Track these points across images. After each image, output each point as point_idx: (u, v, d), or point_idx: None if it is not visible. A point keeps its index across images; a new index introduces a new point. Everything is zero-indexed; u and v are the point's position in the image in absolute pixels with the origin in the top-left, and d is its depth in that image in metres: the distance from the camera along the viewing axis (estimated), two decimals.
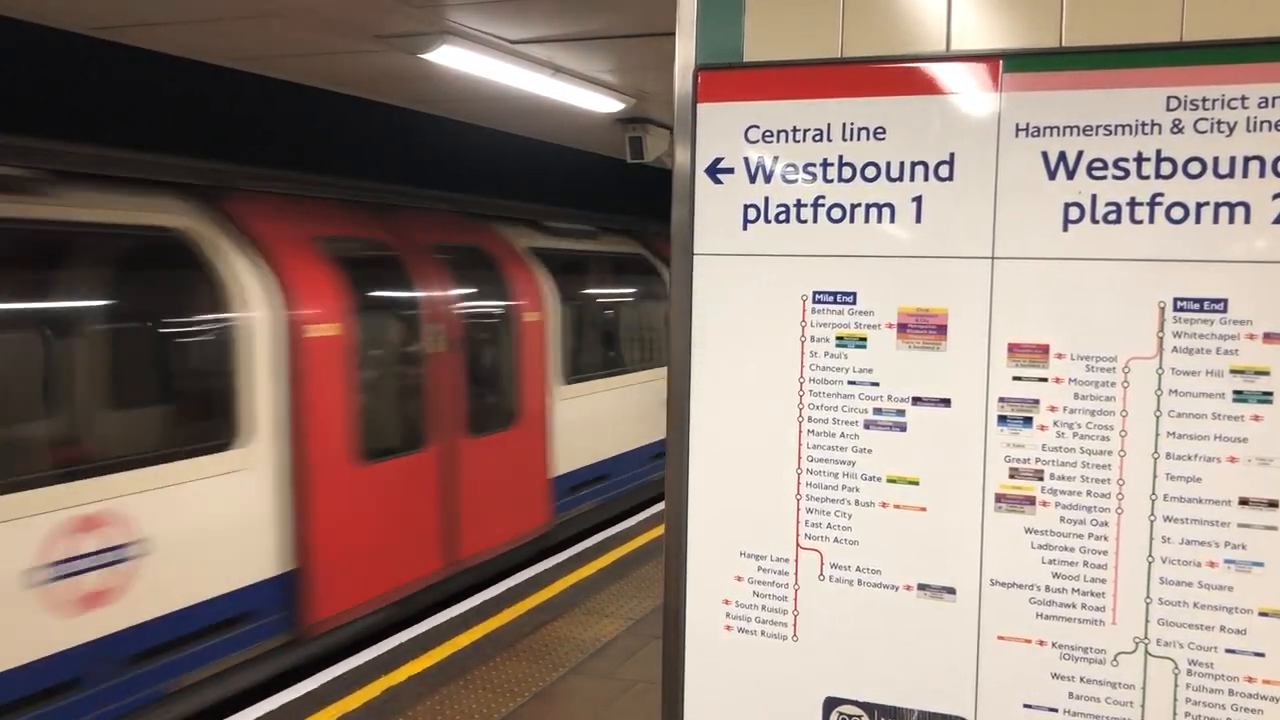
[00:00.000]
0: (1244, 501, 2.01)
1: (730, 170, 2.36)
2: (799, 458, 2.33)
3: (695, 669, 2.43)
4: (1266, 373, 1.99)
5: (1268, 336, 1.99)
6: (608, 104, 7.25)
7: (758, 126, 2.33)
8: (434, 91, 7.16)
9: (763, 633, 2.37)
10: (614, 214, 12.17)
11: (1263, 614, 2.02)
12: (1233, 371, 2.01)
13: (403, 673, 6.36)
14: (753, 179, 2.34)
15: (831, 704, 2.32)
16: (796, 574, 2.34)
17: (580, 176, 12.68)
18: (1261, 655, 2.02)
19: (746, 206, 2.35)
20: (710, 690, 2.42)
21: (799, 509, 2.33)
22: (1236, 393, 2.01)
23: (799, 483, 2.33)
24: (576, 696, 6.08)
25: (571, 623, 7.26)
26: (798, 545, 2.34)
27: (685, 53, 2.41)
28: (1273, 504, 2.00)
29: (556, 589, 7.99)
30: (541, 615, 7.39)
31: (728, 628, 2.40)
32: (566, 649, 6.75)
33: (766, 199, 2.33)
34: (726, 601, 2.40)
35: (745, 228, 2.35)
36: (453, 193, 9.41)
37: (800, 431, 2.33)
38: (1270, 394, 1.99)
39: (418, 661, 6.53)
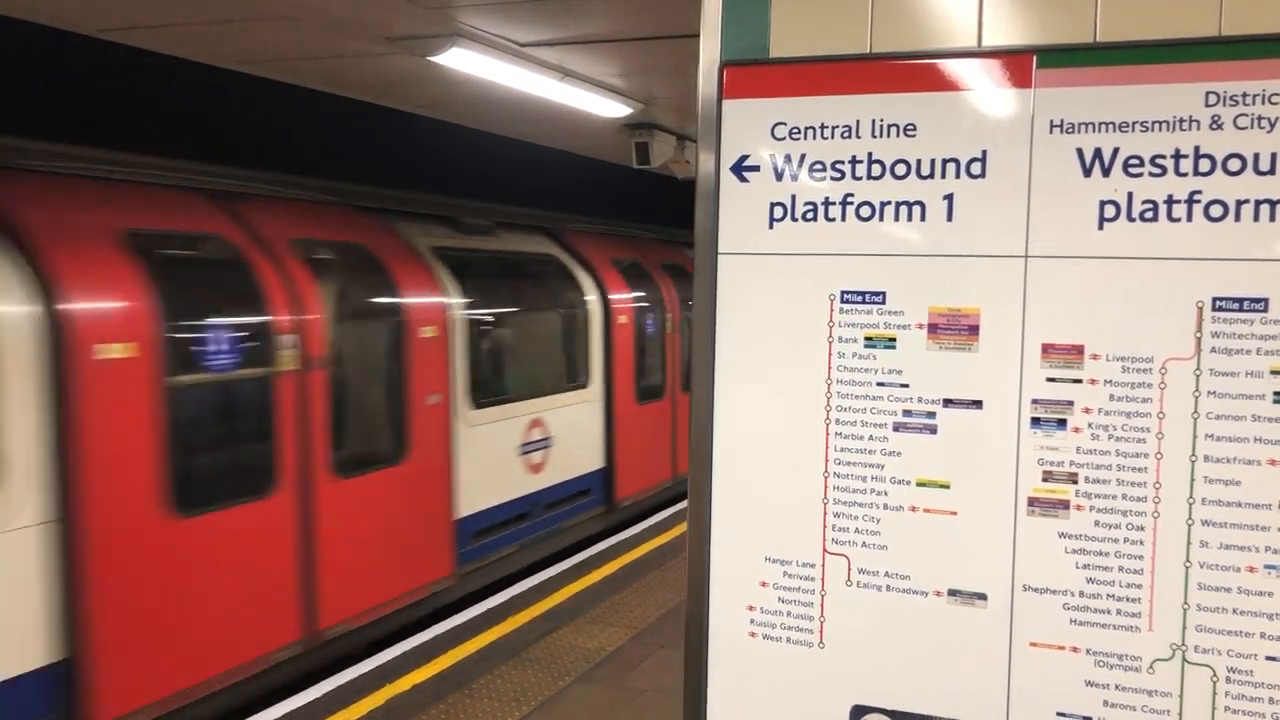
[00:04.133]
0: None
1: (756, 168, 2.32)
2: (826, 461, 2.28)
3: (718, 676, 2.39)
4: None
5: None
6: (615, 109, 7.21)
7: (784, 123, 2.29)
8: (443, 96, 7.13)
9: (788, 639, 2.32)
10: (619, 218, 12.11)
11: None
12: (1273, 372, 1.97)
13: (406, 682, 6.32)
14: (779, 177, 2.30)
15: (859, 712, 2.27)
16: (823, 579, 2.30)
17: (586, 183, 12.64)
18: None
19: (773, 205, 2.31)
20: (734, 698, 2.37)
21: (826, 513, 2.29)
22: (1276, 394, 1.97)
23: (826, 486, 2.28)
24: (582, 705, 6.03)
25: (576, 631, 7.21)
26: (824, 550, 2.29)
27: (710, 49, 2.37)
28: None
29: (560, 598, 7.94)
30: (546, 623, 7.34)
31: (752, 634, 2.36)
32: (572, 657, 6.70)
33: (793, 197, 2.29)
34: (751, 608, 2.35)
35: (771, 226, 2.31)
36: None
37: (827, 434, 2.28)
38: None
39: (421, 670, 6.49)
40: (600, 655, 6.76)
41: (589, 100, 6.97)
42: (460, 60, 5.60)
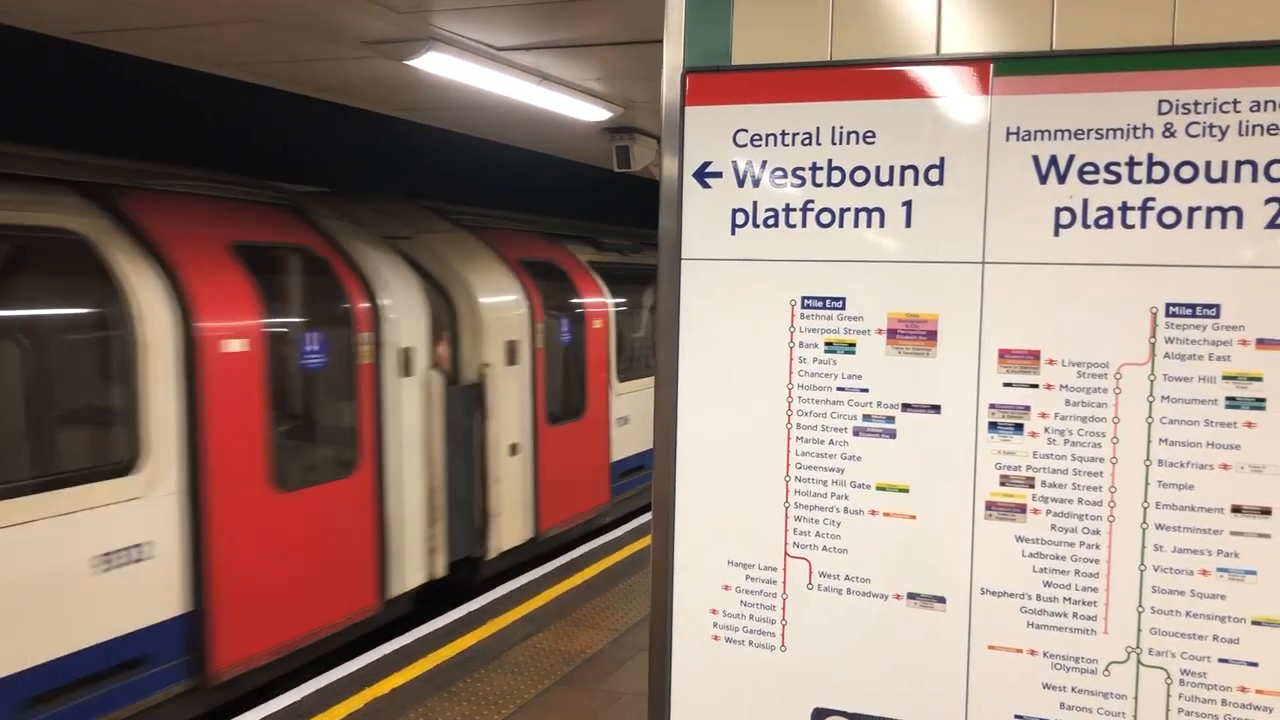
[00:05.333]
0: (1236, 509, 1.99)
1: (719, 174, 2.33)
2: (787, 465, 2.30)
3: (682, 679, 2.40)
4: (1259, 379, 1.97)
5: (1260, 342, 1.97)
6: (595, 113, 7.22)
7: (746, 130, 2.31)
8: (421, 99, 7.12)
9: (750, 642, 2.34)
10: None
11: (1256, 623, 1.99)
12: (1225, 378, 1.99)
13: (385, 685, 6.30)
14: (741, 183, 2.32)
15: (820, 714, 2.29)
16: (785, 583, 2.31)
17: (568, 186, 12.65)
18: (1255, 665, 1.99)
19: (735, 211, 2.32)
20: (697, 701, 2.39)
21: (787, 517, 2.30)
22: (1229, 399, 1.99)
23: (787, 490, 2.30)
24: (561, 709, 6.03)
25: (557, 634, 7.20)
26: (786, 554, 2.31)
27: (673, 56, 2.38)
28: (1265, 511, 1.97)
29: (541, 601, 7.93)
30: (527, 627, 7.33)
31: (715, 637, 2.37)
32: (552, 661, 6.70)
33: (755, 203, 2.31)
34: (714, 611, 2.37)
35: (734, 232, 2.33)
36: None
37: (788, 438, 2.30)
38: (1263, 400, 1.97)
39: (401, 674, 6.47)
40: (580, 658, 6.76)
41: (568, 104, 6.97)
42: (436, 64, 5.60)
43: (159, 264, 5.75)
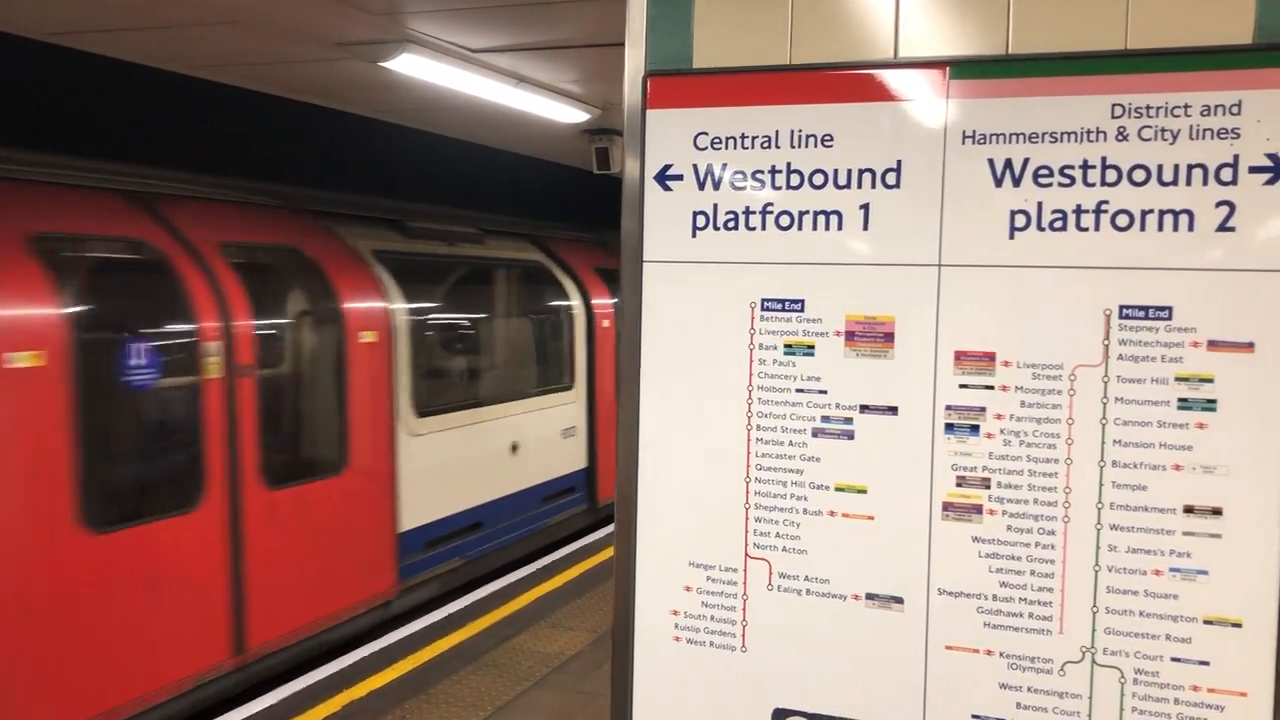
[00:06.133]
0: (1189, 509, 2.01)
1: (679, 177, 2.34)
2: (748, 466, 2.31)
3: (644, 680, 2.41)
4: (1210, 380, 1.99)
5: (1212, 344, 1.99)
6: (573, 114, 7.23)
7: (707, 133, 2.32)
8: (398, 101, 7.12)
9: (711, 643, 2.35)
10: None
11: (1207, 622, 2.01)
12: (1178, 379, 2.01)
13: (363, 688, 6.29)
14: (702, 186, 2.32)
15: (780, 715, 2.30)
16: (745, 584, 2.32)
17: (550, 187, 12.63)
18: (1206, 664, 2.01)
19: (696, 213, 2.33)
20: (659, 702, 2.39)
21: (748, 518, 2.31)
22: (1181, 400, 2.01)
23: (748, 491, 2.31)
24: (539, 710, 6.03)
25: (536, 636, 7.20)
26: (746, 555, 2.32)
27: (635, 59, 2.39)
28: (1217, 511, 1.99)
29: (521, 603, 7.93)
30: (506, 629, 7.33)
31: (677, 639, 2.38)
32: (530, 663, 6.69)
33: (715, 206, 2.32)
34: (675, 612, 2.38)
35: (694, 235, 2.33)
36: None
37: (749, 440, 2.31)
38: (1214, 401, 1.99)
39: (379, 676, 6.46)
40: (559, 660, 6.76)
41: (545, 106, 6.97)
42: (411, 66, 5.59)
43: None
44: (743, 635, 2.33)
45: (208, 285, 6.06)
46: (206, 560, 5.99)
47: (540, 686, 6.34)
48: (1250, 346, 1.97)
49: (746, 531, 2.31)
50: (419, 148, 9.75)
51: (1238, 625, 1.99)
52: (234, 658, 6.23)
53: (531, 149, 10.44)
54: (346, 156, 9.40)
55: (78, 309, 5.22)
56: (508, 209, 11.37)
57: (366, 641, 7.11)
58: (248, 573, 6.23)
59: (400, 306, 7.70)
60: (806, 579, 2.27)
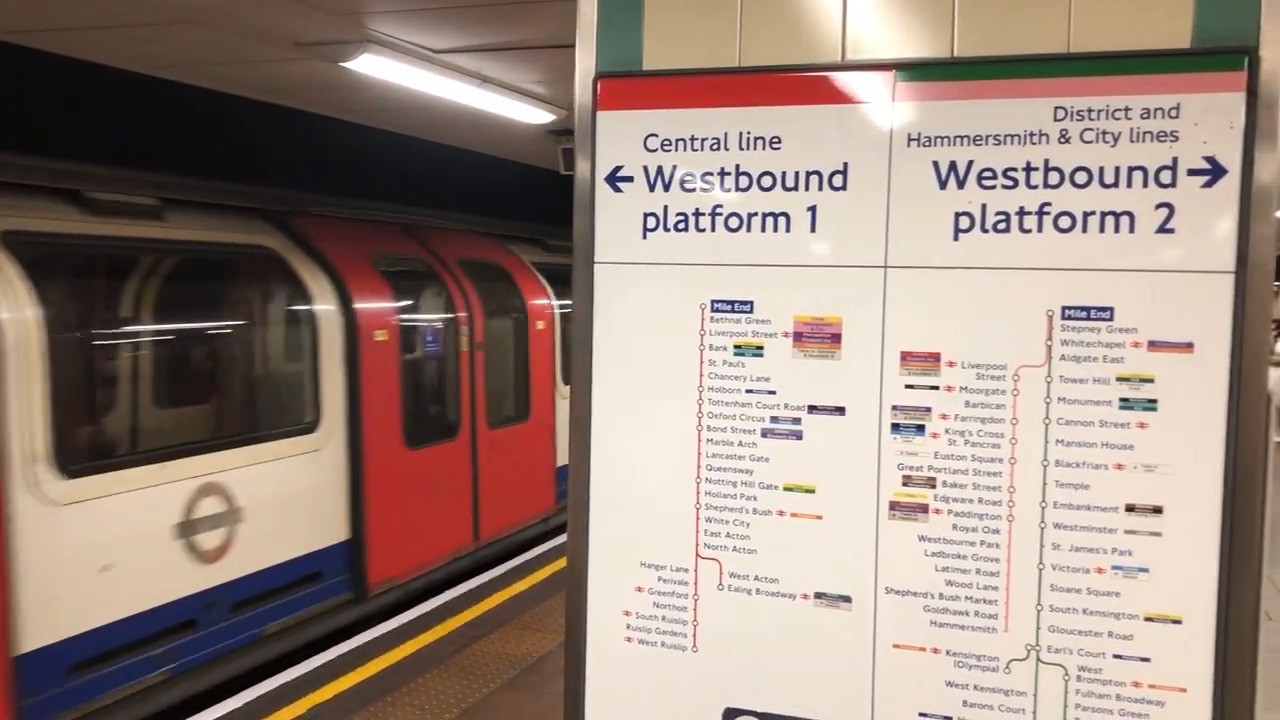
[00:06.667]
0: (1130, 508, 2.03)
1: (630, 179, 2.35)
2: (698, 466, 2.32)
3: (596, 681, 2.41)
4: (1151, 380, 2.01)
5: (1152, 344, 2.01)
6: (538, 115, 7.23)
7: (657, 135, 2.32)
8: (360, 101, 7.09)
9: (663, 644, 2.35)
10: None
11: (1149, 619, 2.03)
12: (1119, 379, 2.03)
13: (328, 690, 6.26)
14: (652, 187, 2.33)
15: (731, 714, 2.31)
16: (696, 584, 2.33)
17: (517, 187, 12.59)
18: (1147, 660, 2.04)
19: (646, 215, 2.34)
20: (611, 703, 2.40)
21: (698, 518, 2.32)
22: (1123, 400, 2.03)
23: (698, 491, 2.32)
24: (505, 712, 6.02)
25: (504, 637, 7.19)
26: (697, 555, 2.32)
27: (585, 61, 2.40)
28: (1157, 510, 2.02)
29: (490, 604, 7.91)
30: (474, 630, 7.31)
31: (628, 639, 2.38)
32: (498, 664, 6.69)
33: (666, 207, 2.32)
34: (627, 613, 2.38)
35: (645, 236, 2.34)
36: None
37: (700, 440, 2.32)
38: (1155, 401, 2.01)
39: (345, 679, 6.44)
40: (527, 661, 6.75)
41: (510, 107, 6.96)
42: (372, 66, 5.57)
43: None
44: (694, 635, 2.33)
45: (457, 289, 9.07)
46: (461, 474, 9.00)
47: (509, 687, 6.34)
48: (1189, 347, 1.99)
49: (697, 532, 2.32)
50: (404, 150, 9.72)
51: (1178, 622, 2.02)
52: (473, 543, 9.21)
53: (500, 150, 10.41)
54: (323, 158, 9.32)
55: (400, 303, 8.26)
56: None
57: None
58: (480, 486, 9.16)
59: (555, 302, 10.51)
60: (756, 578, 2.28)
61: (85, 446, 6.08)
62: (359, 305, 7.64)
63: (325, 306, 7.43)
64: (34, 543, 5.14)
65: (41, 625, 5.20)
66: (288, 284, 7.44)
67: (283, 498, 6.99)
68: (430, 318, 9.16)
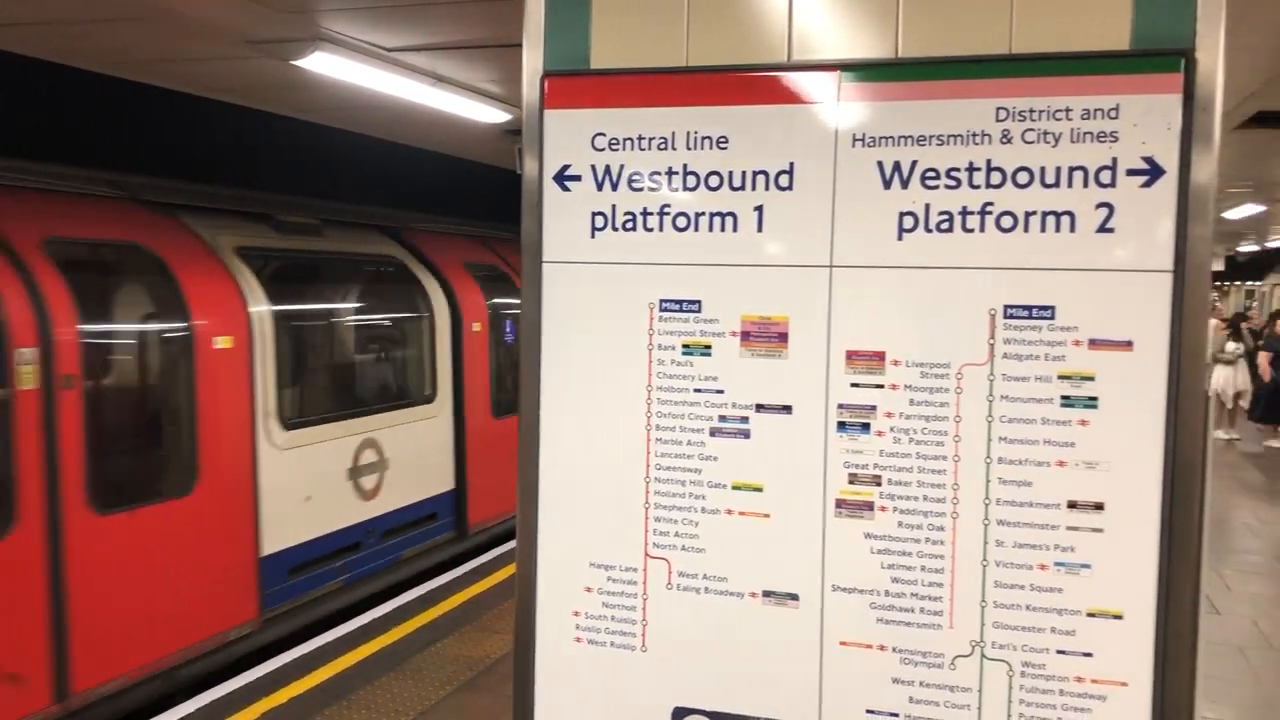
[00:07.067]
0: (1072, 505, 2.06)
1: (578, 177, 2.34)
2: (647, 466, 2.32)
3: (545, 682, 2.40)
4: (1092, 378, 2.04)
5: (1093, 343, 2.04)
6: (494, 115, 7.20)
7: (604, 134, 2.32)
8: (312, 100, 7.02)
9: (612, 644, 2.35)
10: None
11: (1091, 615, 2.06)
12: (1060, 377, 2.05)
13: (284, 694, 6.20)
14: (600, 186, 2.33)
15: (680, 714, 2.31)
16: (645, 583, 2.33)
17: (474, 187, 12.55)
18: (1090, 655, 2.06)
19: (594, 214, 2.33)
20: (560, 703, 2.39)
21: (647, 517, 2.32)
22: (1064, 398, 2.05)
23: (647, 491, 2.32)
24: (463, 714, 5.99)
25: (462, 640, 7.16)
26: (646, 554, 2.32)
27: (533, 59, 2.39)
28: (1099, 506, 2.04)
29: (447, 606, 7.88)
30: (431, 633, 7.27)
31: (578, 639, 2.38)
32: (455, 666, 6.66)
33: (614, 207, 2.32)
34: (576, 613, 2.37)
35: (593, 235, 2.34)
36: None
37: (648, 440, 2.31)
38: (1096, 399, 2.04)
39: (300, 682, 6.38)
40: (484, 663, 6.72)
41: (466, 106, 6.93)
42: (324, 64, 5.52)
43: None
44: (643, 635, 2.33)
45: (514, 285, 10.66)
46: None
47: (465, 690, 6.31)
48: (1129, 345, 2.02)
49: (646, 531, 2.32)
50: (344, 147, 9.66)
51: (1119, 617, 2.04)
52: None
53: (458, 149, 10.37)
54: (276, 157, 9.27)
55: (487, 301, 10.02)
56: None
57: None
58: None
59: None
60: (705, 577, 2.28)
61: (295, 406, 7.92)
62: (461, 303, 9.66)
63: (439, 303, 9.44)
64: (268, 477, 7.08)
65: (273, 537, 7.17)
66: (411, 286, 9.30)
67: (413, 453, 8.92)
68: (508, 312, 10.45)
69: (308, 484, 7.57)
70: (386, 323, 9.74)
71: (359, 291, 9.46)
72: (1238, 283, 33.04)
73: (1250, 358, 15.24)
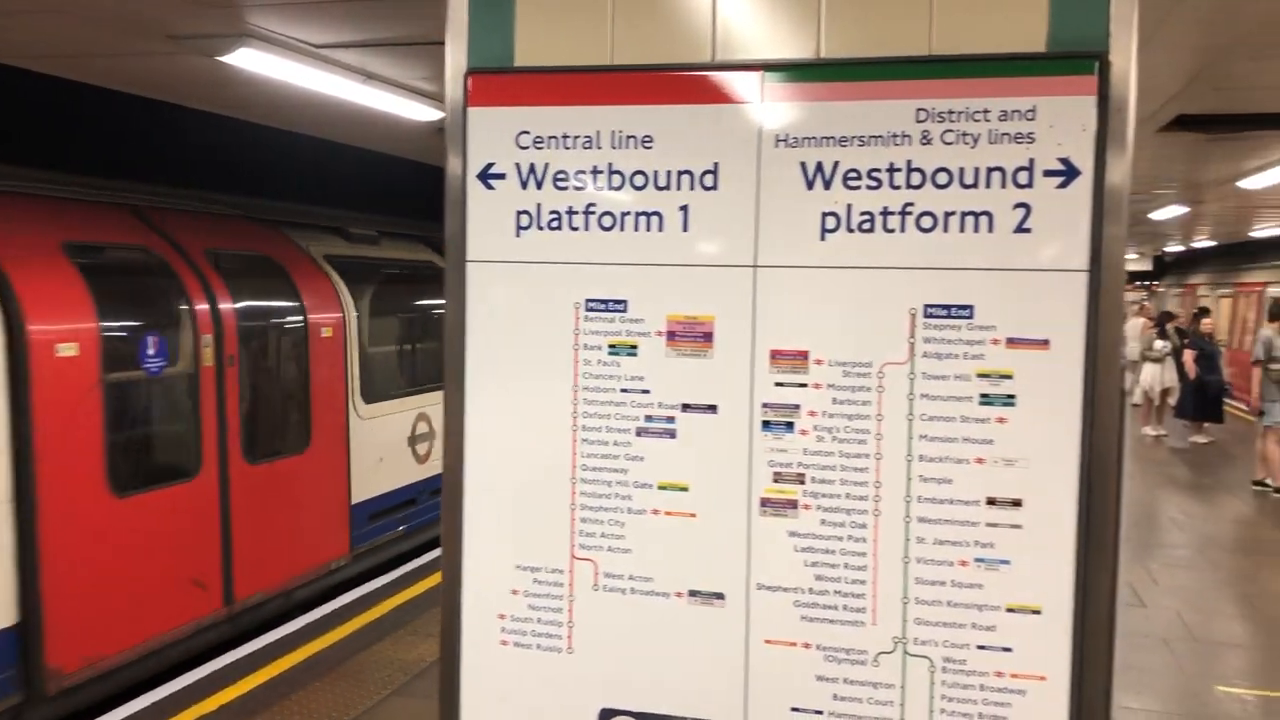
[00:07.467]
0: (991, 502, 2.08)
1: (502, 176, 2.32)
2: (573, 467, 2.30)
3: (471, 685, 2.38)
4: (1010, 376, 2.06)
5: (1011, 341, 2.06)
6: (427, 113, 7.13)
7: (529, 132, 2.30)
8: (244, 97, 6.90)
9: (538, 646, 2.33)
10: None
11: (1010, 610, 2.08)
12: (979, 375, 2.08)
13: (213, 702, 6.09)
14: (525, 185, 2.31)
15: (607, 715, 2.30)
16: (571, 585, 2.31)
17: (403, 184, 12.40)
18: (1009, 650, 2.08)
19: (519, 213, 2.31)
20: (486, 706, 2.37)
21: (574, 519, 2.31)
22: (983, 396, 2.08)
23: (574, 492, 2.30)
24: (396, 718, 5.92)
25: (395, 644, 7.08)
26: (573, 556, 2.31)
27: (456, 56, 2.36)
28: (1017, 503, 2.07)
29: (382, 610, 7.79)
30: (365, 638, 7.19)
31: (504, 642, 2.36)
32: (389, 671, 6.58)
33: (539, 205, 2.30)
34: (502, 616, 2.35)
35: (518, 234, 2.32)
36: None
37: (574, 440, 2.30)
38: (1014, 397, 2.06)
39: (230, 690, 6.26)
40: (419, 666, 6.66)
41: (398, 104, 6.85)
42: (251, 61, 5.42)
43: None
44: (569, 636, 2.32)
45: None
46: None
47: (399, 694, 6.24)
48: (1046, 344, 2.04)
49: (572, 532, 2.31)
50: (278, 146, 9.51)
51: (1037, 612, 2.07)
52: None
53: (393, 148, 10.26)
54: (203, 156, 9.05)
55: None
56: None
57: None
58: None
59: None
60: (631, 578, 2.28)
61: (371, 384, 9.18)
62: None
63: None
64: (355, 440, 8.80)
65: (358, 489, 8.85)
66: (439, 284, 10.26)
67: None
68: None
69: (380, 448, 9.20)
70: (431, 315, 10.86)
71: (407, 290, 10.78)
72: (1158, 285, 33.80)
73: (1177, 355, 15.60)
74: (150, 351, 6.68)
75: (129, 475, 6.41)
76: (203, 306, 7.02)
